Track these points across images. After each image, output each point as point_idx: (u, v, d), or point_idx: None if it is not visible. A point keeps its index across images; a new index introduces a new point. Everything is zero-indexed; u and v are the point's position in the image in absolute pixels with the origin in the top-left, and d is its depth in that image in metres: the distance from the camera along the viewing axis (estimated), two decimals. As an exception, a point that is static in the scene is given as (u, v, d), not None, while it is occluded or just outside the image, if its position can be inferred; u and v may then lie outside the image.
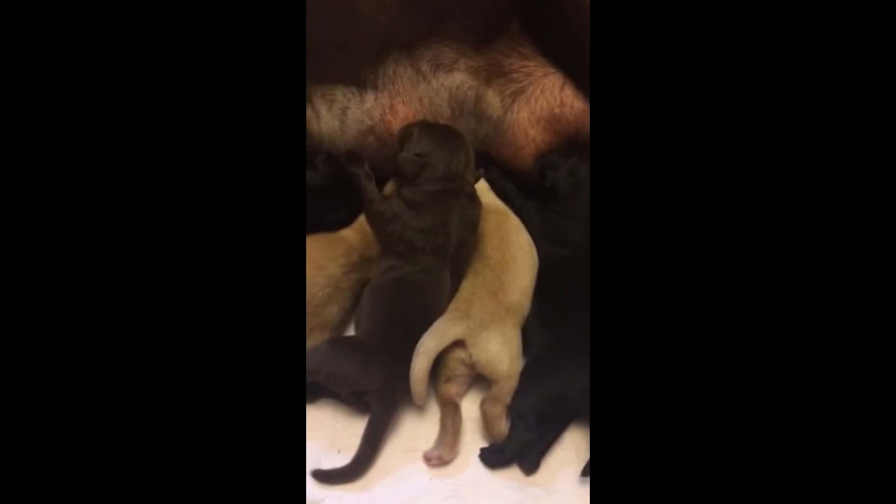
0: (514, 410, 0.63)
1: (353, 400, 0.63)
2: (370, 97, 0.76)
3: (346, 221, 0.75)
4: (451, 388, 0.65)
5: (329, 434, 0.64)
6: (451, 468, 0.62)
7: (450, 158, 0.69)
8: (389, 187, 0.78)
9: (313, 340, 0.66)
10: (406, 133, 0.72)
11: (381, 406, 0.62)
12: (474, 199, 0.71)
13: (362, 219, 0.75)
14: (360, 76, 0.76)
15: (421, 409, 0.65)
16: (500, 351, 0.63)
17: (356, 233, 0.74)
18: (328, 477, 0.59)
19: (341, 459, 0.61)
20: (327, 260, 0.69)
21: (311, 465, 0.61)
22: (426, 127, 0.72)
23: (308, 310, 0.66)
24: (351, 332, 0.72)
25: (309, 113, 0.77)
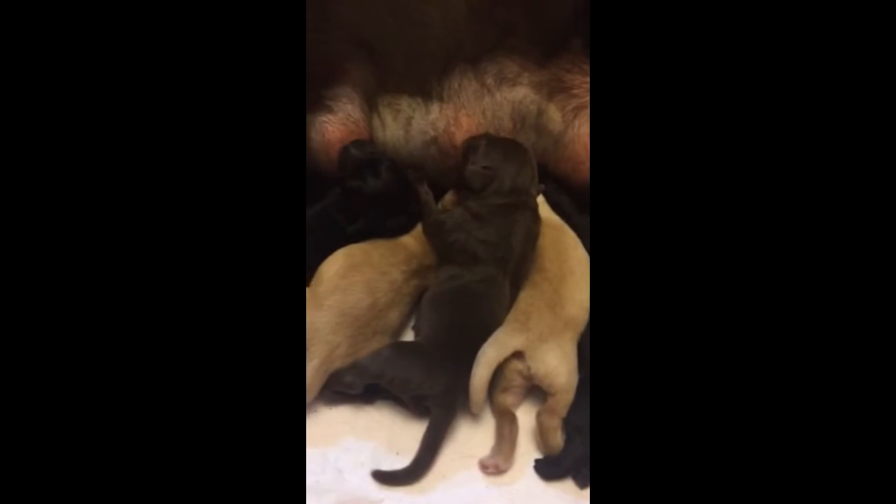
0: (570, 424, 0.64)
1: (413, 404, 0.65)
2: (435, 108, 0.78)
3: (406, 229, 0.76)
4: (508, 399, 0.66)
5: (387, 435, 0.65)
6: (506, 477, 0.63)
7: (517, 172, 0.71)
8: (449, 197, 0.79)
9: (375, 344, 0.68)
10: (471, 146, 0.74)
11: (441, 411, 0.63)
12: (536, 213, 0.72)
13: (421, 227, 0.78)
14: (425, 87, 0.78)
15: (476, 416, 0.67)
16: (559, 364, 0.64)
17: (416, 240, 0.75)
18: (388, 478, 0.61)
19: (399, 461, 0.63)
20: (390, 266, 0.70)
21: (370, 466, 0.62)
22: (493, 141, 0.74)
23: (371, 314, 0.68)
24: (407, 337, 0.74)
25: (375, 121, 0.79)
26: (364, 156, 0.72)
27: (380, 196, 0.72)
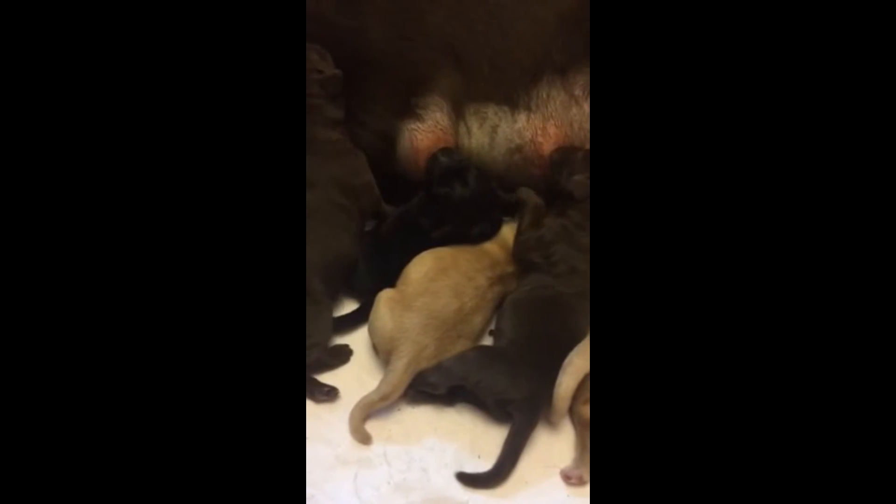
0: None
1: (496, 408, 0.66)
2: (522, 117, 0.79)
3: (488, 235, 0.78)
4: (590, 410, 0.66)
5: (469, 438, 0.66)
6: (587, 488, 0.63)
7: None
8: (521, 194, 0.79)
9: (459, 348, 0.69)
10: (565, 157, 0.75)
11: (524, 417, 0.64)
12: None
13: (503, 233, 0.78)
14: (512, 96, 0.79)
15: (555, 425, 0.67)
16: (645, 378, 0.64)
17: (499, 247, 0.77)
18: (472, 480, 0.62)
19: (481, 464, 0.64)
20: (476, 271, 0.72)
21: (453, 467, 0.64)
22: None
23: (458, 317, 0.69)
24: (485, 341, 0.74)
25: (461, 129, 0.81)
26: (452, 163, 0.74)
27: (466, 203, 0.74)
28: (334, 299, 0.75)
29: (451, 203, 0.74)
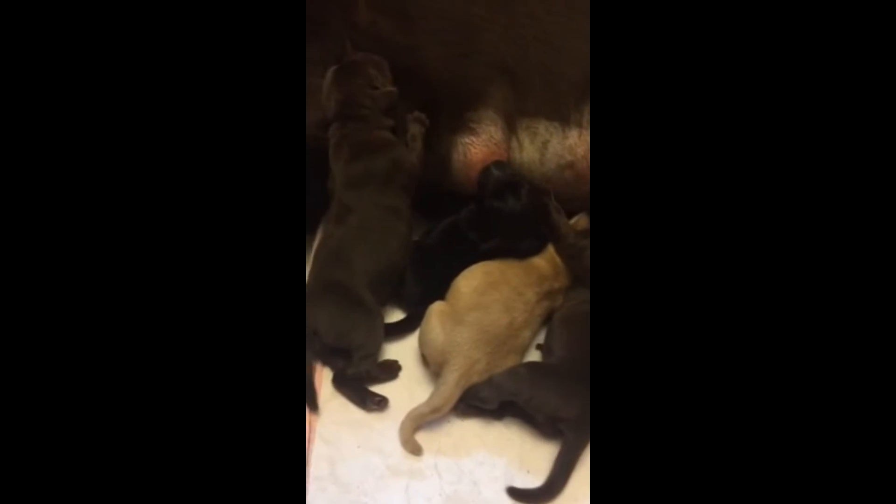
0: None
1: (547, 425, 0.66)
2: (573, 134, 0.79)
3: (536, 250, 0.78)
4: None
5: (518, 453, 0.67)
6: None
7: None
8: (582, 221, 0.80)
9: (509, 362, 0.70)
10: None
11: (575, 435, 0.64)
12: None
13: (550, 249, 0.78)
14: (563, 112, 0.80)
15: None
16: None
17: (547, 262, 0.77)
18: (523, 496, 0.62)
19: (531, 480, 0.64)
20: (525, 286, 0.72)
21: (503, 482, 0.64)
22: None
23: (508, 332, 0.70)
24: (532, 356, 0.75)
25: (513, 143, 0.82)
26: (505, 177, 0.75)
27: (518, 217, 0.74)
28: (383, 307, 0.76)
29: (502, 216, 0.74)
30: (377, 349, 0.72)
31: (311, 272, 0.74)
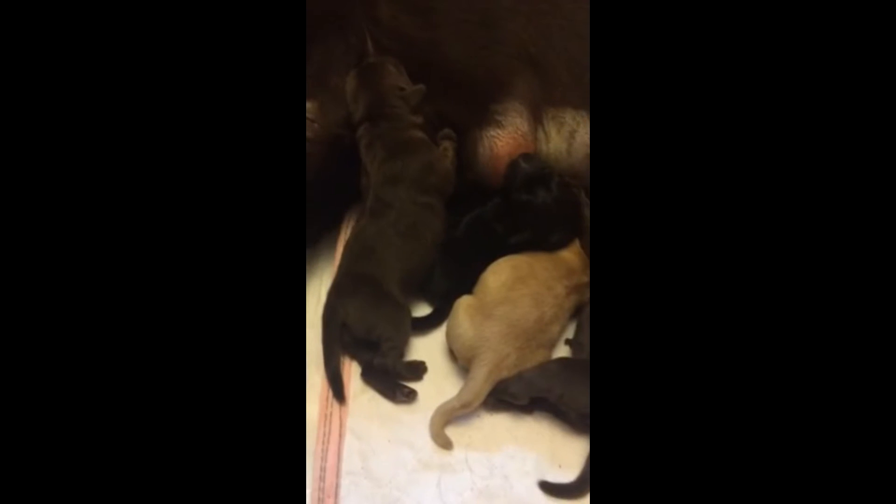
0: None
1: (578, 421, 0.66)
2: (601, 122, 0.78)
3: (564, 243, 0.77)
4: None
5: (549, 448, 0.67)
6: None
7: None
8: None
9: (539, 358, 0.69)
10: None
11: (608, 431, 0.63)
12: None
13: (579, 242, 0.77)
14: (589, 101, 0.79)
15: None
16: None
17: (575, 255, 0.76)
18: (555, 490, 0.62)
19: (563, 475, 0.64)
20: (554, 280, 0.72)
21: (535, 476, 0.64)
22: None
23: (538, 327, 0.69)
24: (560, 351, 0.74)
25: (539, 133, 0.81)
26: (534, 169, 0.74)
27: (548, 210, 0.74)
28: (411, 303, 0.76)
29: (532, 209, 0.74)
30: (404, 344, 0.72)
31: (340, 265, 0.75)
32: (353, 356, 0.74)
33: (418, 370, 0.72)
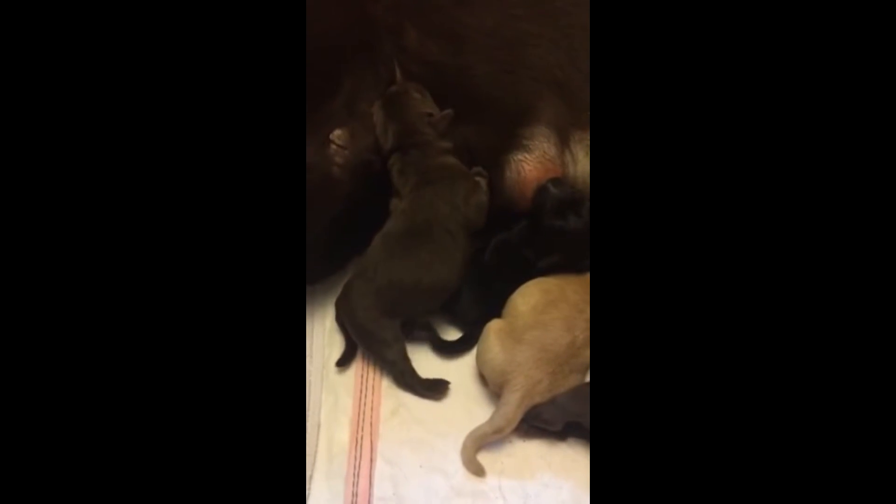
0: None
1: (615, 448, 0.65)
2: (628, 144, 0.78)
3: (594, 265, 0.77)
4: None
5: (584, 475, 0.65)
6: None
7: None
8: None
9: (572, 382, 0.68)
10: None
11: (645, 459, 0.62)
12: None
13: (609, 263, 0.78)
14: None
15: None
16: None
17: (606, 277, 0.76)
18: (591, 521, 0.61)
19: None
20: (584, 303, 0.71)
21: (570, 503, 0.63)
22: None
23: (570, 351, 0.68)
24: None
25: (566, 157, 0.81)
26: (564, 195, 0.74)
27: (580, 234, 0.73)
28: (403, 320, 0.75)
29: (563, 234, 0.74)
30: (402, 358, 0.72)
31: (359, 273, 0.75)
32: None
33: (440, 388, 0.72)
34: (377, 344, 0.73)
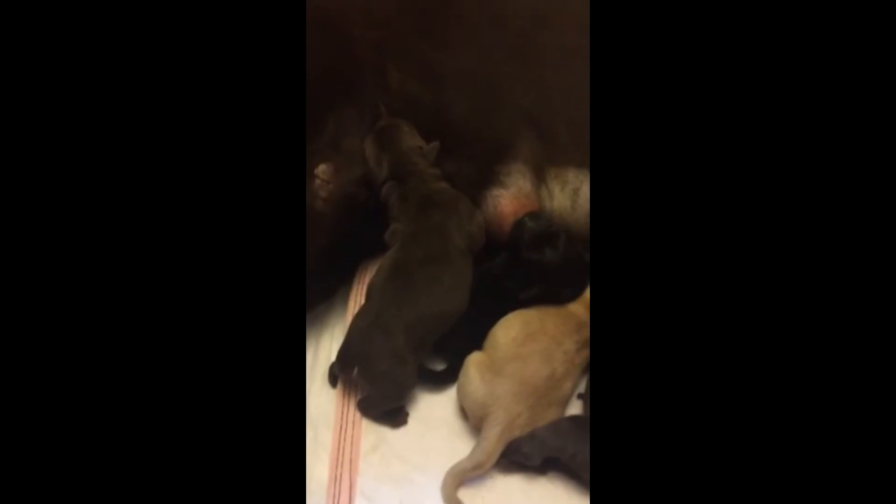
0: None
1: (594, 481, 0.64)
2: (603, 180, 0.81)
3: (574, 297, 0.77)
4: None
5: (564, 510, 0.66)
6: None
7: None
8: None
9: (551, 415, 0.69)
10: None
11: (624, 493, 0.62)
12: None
13: (587, 295, 0.78)
14: (591, 159, 0.82)
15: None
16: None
17: (585, 309, 0.76)
18: (572, 557, 0.60)
19: (580, 540, 0.62)
20: (563, 336, 0.72)
21: (550, 541, 0.62)
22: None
23: (549, 384, 0.69)
24: (574, 408, 0.73)
25: (542, 192, 0.84)
26: (541, 228, 0.76)
27: (556, 267, 0.75)
28: (423, 355, 0.75)
29: (540, 266, 0.75)
30: (401, 399, 0.72)
31: (365, 307, 0.73)
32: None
33: (399, 416, 0.71)
34: (395, 389, 0.71)
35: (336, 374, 0.73)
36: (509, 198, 0.81)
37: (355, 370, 0.70)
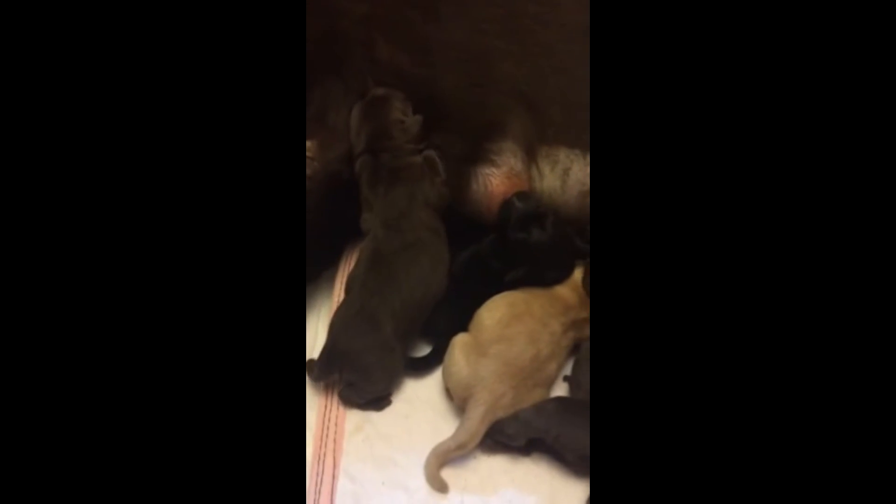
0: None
1: (578, 463, 0.64)
2: (595, 160, 0.79)
3: (560, 280, 0.77)
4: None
5: (548, 491, 0.65)
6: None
7: None
8: None
9: (536, 396, 0.68)
10: None
11: (607, 474, 0.62)
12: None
13: (575, 277, 0.77)
14: (583, 139, 0.79)
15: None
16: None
17: (572, 291, 0.76)
18: (553, 537, 0.61)
19: (562, 520, 0.62)
20: (550, 317, 0.71)
21: (533, 521, 0.63)
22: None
23: (534, 365, 0.68)
24: (559, 389, 0.73)
25: (533, 171, 0.82)
26: (529, 208, 0.74)
27: (543, 248, 0.74)
28: (409, 341, 0.75)
29: (527, 247, 0.74)
30: (389, 386, 0.71)
31: (348, 301, 0.72)
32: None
33: (381, 404, 0.70)
34: (384, 380, 0.70)
35: (315, 370, 0.71)
36: (501, 177, 0.79)
37: (337, 374, 0.69)
